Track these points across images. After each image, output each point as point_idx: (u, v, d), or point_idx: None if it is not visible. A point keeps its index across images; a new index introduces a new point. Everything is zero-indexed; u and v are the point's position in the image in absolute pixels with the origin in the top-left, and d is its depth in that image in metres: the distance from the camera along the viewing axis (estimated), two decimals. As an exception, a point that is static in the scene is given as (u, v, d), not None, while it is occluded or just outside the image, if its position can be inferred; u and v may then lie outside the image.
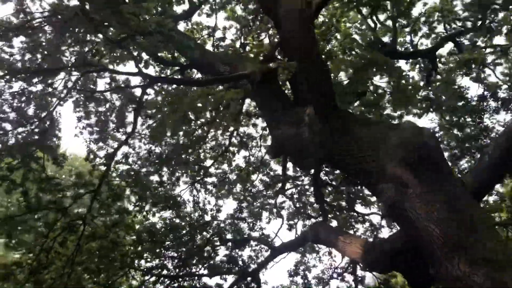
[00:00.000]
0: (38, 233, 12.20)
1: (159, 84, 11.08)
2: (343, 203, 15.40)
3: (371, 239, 13.99)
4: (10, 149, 11.82)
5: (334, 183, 15.09)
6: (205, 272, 16.28)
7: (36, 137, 11.96)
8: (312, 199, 16.67)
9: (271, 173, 16.81)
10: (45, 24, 10.34)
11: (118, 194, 11.86)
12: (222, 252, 16.30)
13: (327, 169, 14.73)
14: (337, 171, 15.19)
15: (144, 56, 10.62)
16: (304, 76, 8.01)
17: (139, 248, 13.94)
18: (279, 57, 10.96)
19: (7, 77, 11.14)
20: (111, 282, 16.44)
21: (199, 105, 10.26)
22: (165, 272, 17.10)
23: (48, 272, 12.76)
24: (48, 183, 11.75)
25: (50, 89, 11.38)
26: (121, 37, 8.21)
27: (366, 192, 15.38)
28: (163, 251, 14.96)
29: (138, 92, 11.83)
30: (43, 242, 12.16)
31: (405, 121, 9.28)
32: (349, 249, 10.39)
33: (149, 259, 16.47)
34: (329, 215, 14.84)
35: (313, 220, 16.99)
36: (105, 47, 8.67)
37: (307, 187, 16.23)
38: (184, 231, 14.74)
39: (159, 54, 11.87)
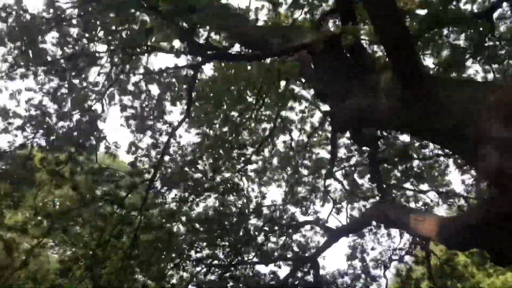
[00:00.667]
0: (94, 227, 11.94)
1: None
2: (400, 181, 14.54)
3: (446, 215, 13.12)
4: (57, 142, 11.57)
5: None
6: (258, 260, 15.93)
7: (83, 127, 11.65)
8: (361, 180, 15.96)
9: (315, 156, 16.13)
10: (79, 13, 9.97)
11: (174, 183, 11.41)
12: (273, 239, 15.90)
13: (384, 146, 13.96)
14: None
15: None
16: (380, 35, 7.20)
17: (194, 238, 13.52)
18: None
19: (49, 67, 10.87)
20: (163, 275, 16.29)
21: (256, 80, 9.63)
22: (216, 262, 16.97)
23: (104, 267, 12.56)
24: (101, 174, 11.43)
25: (97, 77, 11.04)
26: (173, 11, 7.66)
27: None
28: (217, 239, 14.50)
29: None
30: (99, 236, 11.93)
31: (497, 78, 8.41)
32: (423, 227, 9.63)
33: (199, 250, 16.19)
34: (387, 194, 14.02)
35: (362, 202, 16.34)
36: (156, 24, 8.12)
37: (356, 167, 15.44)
38: (235, 219, 14.22)
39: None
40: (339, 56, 8.57)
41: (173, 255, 14.40)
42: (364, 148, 15.05)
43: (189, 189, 12.09)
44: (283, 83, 11.95)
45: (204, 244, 15.22)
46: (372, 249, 15.43)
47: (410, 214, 10.59)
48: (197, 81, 10.49)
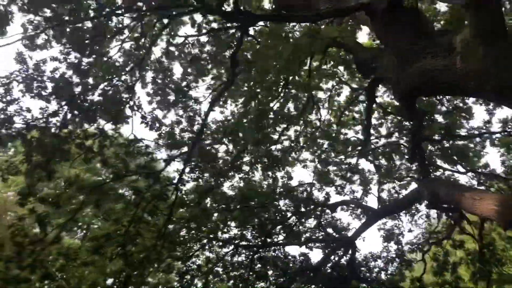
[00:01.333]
0: (127, 202, 11.30)
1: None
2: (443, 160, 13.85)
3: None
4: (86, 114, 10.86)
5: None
6: (291, 241, 15.34)
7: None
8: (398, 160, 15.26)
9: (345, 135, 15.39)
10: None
11: (212, 155, 10.70)
12: (305, 220, 15.25)
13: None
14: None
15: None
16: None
17: (227, 217, 12.88)
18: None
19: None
20: (189, 256, 15.74)
21: (305, 46, 8.85)
22: (243, 243, 16.38)
23: (136, 245, 11.96)
24: (136, 146, 10.74)
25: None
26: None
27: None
28: (249, 218, 13.86)
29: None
30: (132, 212, 11.30)
31: None
32: (481, 206, 8.98)
33: (226, 230, 15.57)
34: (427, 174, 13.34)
35: (394, 184, 15.68)
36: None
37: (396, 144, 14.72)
38: (267, 199, 13.54)
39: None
40: (402, 17, 7.84)
41: (203, 235, 13.82)
42: (407, 124, 14.37)
43: (227, 164, 11.40)
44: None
45: (233, 224, 14.63)
46: (410, 231, 14.83)
47: (465, 192, 9.94)
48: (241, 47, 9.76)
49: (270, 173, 13.04)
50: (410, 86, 8.13)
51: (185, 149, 10.85)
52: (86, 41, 10.30)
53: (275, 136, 11.74)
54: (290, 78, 11.10)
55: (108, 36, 11.28)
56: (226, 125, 11.32)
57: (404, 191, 15.33)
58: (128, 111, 10.80)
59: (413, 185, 15.73)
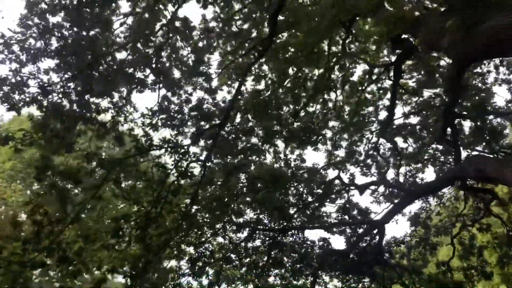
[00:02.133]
0: (150, 180, 10.28)
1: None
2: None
3: None
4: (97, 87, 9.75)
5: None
6: (312, 224, 14.60)
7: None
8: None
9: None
10: None
11: (244, 129, 9.78)
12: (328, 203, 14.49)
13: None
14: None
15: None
16: None
17: (251, 198, 11.99)
18: None
19: None
20: (203, 241, 14.81)
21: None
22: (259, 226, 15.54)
23: (157, 227, 10.98)
24: (160, 117, 9.73)
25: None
26: None
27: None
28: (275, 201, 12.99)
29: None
30: (155, 191, 10.30)
31: None
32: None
33: (240, 213, 14.70)
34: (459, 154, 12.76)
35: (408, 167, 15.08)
36: None
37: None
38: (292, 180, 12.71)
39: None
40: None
41: (223, 218, 12.92)
42: (435, 102, 13.75)
43: (263, 137, 10.49)
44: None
45: (253, 205, 13.73)
46: (438, 213, 14.25)
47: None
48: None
49: (302, 150, 12.15)
50: (475, 48, 7.45)
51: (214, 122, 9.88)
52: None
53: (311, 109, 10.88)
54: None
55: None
56: (260, 96, 10.37)
57: (420, 174, 14.76)
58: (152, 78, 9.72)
59: (430, 168, 15.17)
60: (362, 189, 13.09)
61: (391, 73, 14.06)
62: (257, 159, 11.47)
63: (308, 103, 10.26)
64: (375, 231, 12.73)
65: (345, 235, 14.06)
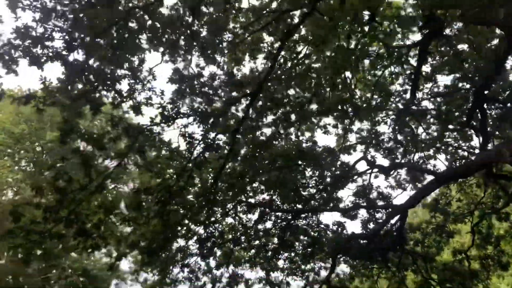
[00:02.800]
0: (174, 151, 9.63)
1: None
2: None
3: None
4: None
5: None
6: (326, 208, 14.15)
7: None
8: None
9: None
10: None
11: (276, 100, 9.16)
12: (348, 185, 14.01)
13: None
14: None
15: None
16: None
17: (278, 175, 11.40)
18: None
19: None
20: (214, 220, 14.23)
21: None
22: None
23: (177, 203, 10.36)
24: (190, 82, 9.02)
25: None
26: None
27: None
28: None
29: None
30: (180, 164, 9.67)
31: None
32: None
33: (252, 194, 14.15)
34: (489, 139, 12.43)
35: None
36: None
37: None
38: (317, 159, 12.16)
39: None
40: None
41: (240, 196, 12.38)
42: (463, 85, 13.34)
43: (295, 110, 9.90)
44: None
45: (268, 185, 13.17)
46: (459, 200, 13.96)
47: None
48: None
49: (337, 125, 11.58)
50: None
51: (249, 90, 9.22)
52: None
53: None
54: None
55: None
56: (296, 65, 9.74)
57: (432, 161, 14.40)
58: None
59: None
60: (387, 171, 12.65)
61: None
62: (287, 132, 10.89)
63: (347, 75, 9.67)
64: (396, 217, 12.32)
65: (362, 219, 13.69)
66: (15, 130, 28.30)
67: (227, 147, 9.68)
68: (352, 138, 15.25)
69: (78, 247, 8.35)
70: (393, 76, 13.90)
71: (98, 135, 8.08)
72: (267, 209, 14.49)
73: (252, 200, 14.29)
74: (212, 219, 13.89)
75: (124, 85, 9.65)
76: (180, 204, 10.29)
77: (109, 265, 10.42)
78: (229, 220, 14.94)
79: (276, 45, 9.20)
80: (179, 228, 10.87)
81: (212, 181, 10.00)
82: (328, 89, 9.53)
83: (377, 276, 15.45)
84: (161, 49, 8.93)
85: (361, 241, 13.61)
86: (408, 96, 13.44)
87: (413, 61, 13.85)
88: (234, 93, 9.39)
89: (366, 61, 12.71)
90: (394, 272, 14.92)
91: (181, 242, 13.98)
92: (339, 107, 9.83)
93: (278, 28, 9.43)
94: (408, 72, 14.06)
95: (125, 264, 31.19)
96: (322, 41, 9.08)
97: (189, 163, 9.62)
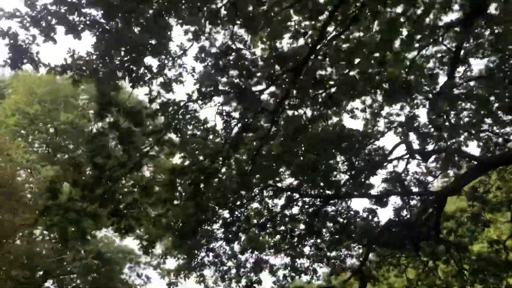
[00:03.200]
0: (210, 130, 9.13)
1: None
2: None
3: None
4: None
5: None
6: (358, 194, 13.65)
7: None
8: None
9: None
10: None
11: (322, 77, 8.58)
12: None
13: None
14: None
15: None
16: None
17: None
18: None
19: None
20: (241, 204, 13.79)
21: None
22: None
23: (211, 185, 9.90)
24: (226, 56, 8.46)
25: None
26: None
27: None
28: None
29: None
30: (216, 145, 9.19)
31: None
32: None
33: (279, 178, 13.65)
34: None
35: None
36: None
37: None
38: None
39: None
40: None
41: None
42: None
43: (339, 89, 9.32)
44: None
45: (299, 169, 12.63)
46: (498, 188, 13.39)
47: None
48: None
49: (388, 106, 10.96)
50: None
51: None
52: None
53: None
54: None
55: None
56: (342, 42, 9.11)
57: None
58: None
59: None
60: (427, 156, 12.08)
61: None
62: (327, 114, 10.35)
63: (400, 52, 9.02)
64: (433, 204, 11.80)
65: (395, 206, 13.19)
66: (30, 111, 27.99)
67: (265, 127, 9.18)
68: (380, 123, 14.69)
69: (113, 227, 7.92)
70: (430, 57, 13.24)
71: (136, 110, 7.59)
72: (295, 194, 14.08)
73: (279, 185, 13.85)
74: (238, 203, 13.46)
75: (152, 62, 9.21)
76: (214, 186, 9.81)
77: (143, 248, 10.03)
78: (255, 204, 14.52)
79: (323, 17, 8.55)
80: (212, 211, 10.39)
81: (247, 163, 9.49)
82: (376, 66, 8.90)
83: (406, 266, 15.00)
84: (202, 21, 8.35)
85: (393, 229, 13.15)
86: (444, 78, 12.82)
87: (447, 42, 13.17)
88: (275, 69, 8.80)
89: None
90: (425, 262, 14.49)
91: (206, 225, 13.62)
92: (388, 86, 9.20)
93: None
94: (445, 53, 13.39)
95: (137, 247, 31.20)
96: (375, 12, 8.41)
97: (225, 143, 9.13)
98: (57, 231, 6.96)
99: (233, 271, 14.44)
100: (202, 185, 9.27)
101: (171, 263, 38.26)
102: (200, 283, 13.69)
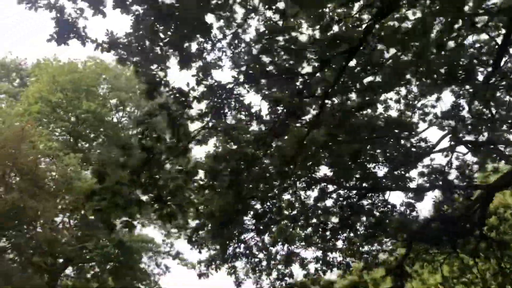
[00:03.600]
0: (255, 116, 8.69)
1: None
2: None
3: None
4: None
5: None
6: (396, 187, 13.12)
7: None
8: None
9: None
10: None
11: (377, 60, 8.06)
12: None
13: None
14: None
15: None
16: None
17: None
18: None
19: None
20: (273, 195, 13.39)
21: None
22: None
23: (251, 173, 9.49)
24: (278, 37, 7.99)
25: None
26: None
27: None
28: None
29: None
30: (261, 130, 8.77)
31: None
32: None
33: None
34: None
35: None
36: None
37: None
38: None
39: None
40: None
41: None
42: None
43: (393, 74, 8.79)
44: None
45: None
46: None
47: None
48: None
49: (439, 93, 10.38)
50: None
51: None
52: None
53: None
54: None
55: None
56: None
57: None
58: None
59: None
60: (476, 147, 11.47)
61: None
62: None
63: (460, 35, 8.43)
64: (478, 198, 11.23)
65: (435, 200, 12.65)
66: (52, 99, 27.97)
67: (313, 113, 8.73)
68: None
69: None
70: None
71: (184, 92, 7.20)
72: (329, 186, 13.62)
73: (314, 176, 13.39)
74: (270, 194, 13.06)
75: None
76: (254, 175, 9.41)
77: (188, 237, 9.71)
78: (286, 196, 14.07)
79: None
80: (254, 200, 10.00)
81: (291, 151, 9.02)
82: (433, 50, 8.33)
83: (442, 262, 14.47)
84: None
85: (433, 224, 12.63)
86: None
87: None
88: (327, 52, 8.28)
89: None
90: (462, 259, 13.96)
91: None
92: (446, 71, 8.64)
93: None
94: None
95: (158, 236, 31.24)
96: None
97: (269, 130, 8.70)
98: (101, 217, 6.61)
99: (264, 263, 14.09)
100: (242, 173, 8.88)
101: (193, 253, 38.25)
102: (231, 275, 13.37)
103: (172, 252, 30.23)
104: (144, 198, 7.59)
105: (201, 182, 8.40)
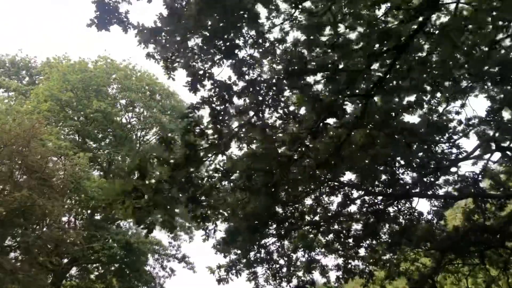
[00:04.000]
0: (290, 114, 8.28)
1: None
2: None
3: None
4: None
5: None
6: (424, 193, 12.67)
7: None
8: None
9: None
10: None
11: (423, 61, 7.65)
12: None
13: None
14: None
15: None
16: None
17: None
18: None
19: None
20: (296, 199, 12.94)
21: None
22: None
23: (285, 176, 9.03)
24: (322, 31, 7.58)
25: None
26: None
27: None
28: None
29: None
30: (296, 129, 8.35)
31: None
32: None
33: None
34: None
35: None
36: None
37: None
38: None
39: None
40: None
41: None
42: None
43: (441, 74, 8.38)
44: None
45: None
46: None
47: None
48: None
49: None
50: None
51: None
52: None
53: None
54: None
55: None
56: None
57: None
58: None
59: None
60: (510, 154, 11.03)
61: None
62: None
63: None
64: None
65: (465, 209, 12.20)
66: (62, 97, 27.64)
67: (355, 112, 8.31)
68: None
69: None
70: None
71: (228, 85, 6.80)
72: (354, 191, 13.18)
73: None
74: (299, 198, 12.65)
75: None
76: (287, 176, 8.96)
77: (224, 243, 9.26)
78: (308, 201, 13.62)
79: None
80: (289, 204, 9.55)
81: (328, 153, 8.58)
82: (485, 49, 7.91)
83: (468, 274, 13.98)
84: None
85: (462, 234, 12.15)
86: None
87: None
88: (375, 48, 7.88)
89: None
90: (488, 270, 13.47)
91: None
92: (499, 71, 8.21)
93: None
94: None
95: (164, 238, 30.76)
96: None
97: (306, 129, 8.26)
98: (138, 217, 6.15)
99: (284, 269, 13.60)
100: (278, 175, 8.42)
101: (198, 257, 37.72)
102: (250, 281, 12.87)
103: (179, 255, 29.81)
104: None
105: (237, 183, 7.95)
